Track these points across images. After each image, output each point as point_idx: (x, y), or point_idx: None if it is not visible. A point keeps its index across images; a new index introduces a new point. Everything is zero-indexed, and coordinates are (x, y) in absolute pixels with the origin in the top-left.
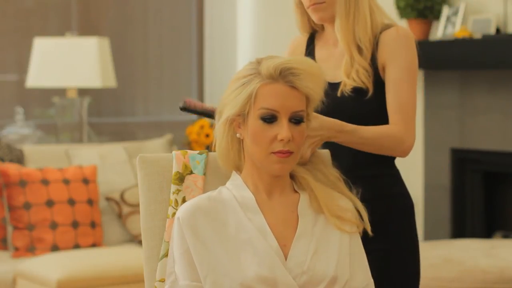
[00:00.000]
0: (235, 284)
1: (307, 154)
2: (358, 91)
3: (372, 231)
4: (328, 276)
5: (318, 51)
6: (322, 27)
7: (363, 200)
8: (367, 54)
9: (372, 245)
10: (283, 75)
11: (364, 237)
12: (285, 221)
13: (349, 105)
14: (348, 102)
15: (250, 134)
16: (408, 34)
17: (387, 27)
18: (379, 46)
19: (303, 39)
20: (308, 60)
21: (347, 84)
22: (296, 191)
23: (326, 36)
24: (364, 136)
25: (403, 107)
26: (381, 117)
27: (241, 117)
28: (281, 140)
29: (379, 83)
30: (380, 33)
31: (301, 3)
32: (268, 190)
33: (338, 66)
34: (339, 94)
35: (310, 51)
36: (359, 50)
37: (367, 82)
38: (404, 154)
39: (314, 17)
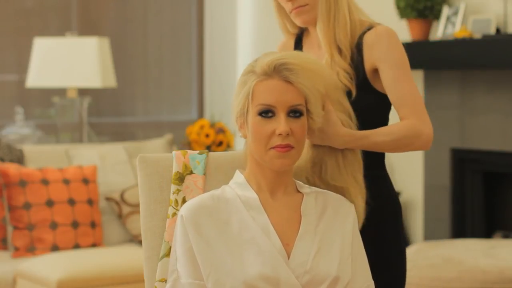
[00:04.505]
0: (238, 283)
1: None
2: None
3: (363, 233)
4: (331, 276)
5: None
6: (307, 29)
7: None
8: (347, 55)
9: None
10: (278, 70)
11: None
12: (288, 220)
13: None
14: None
15: (250, 131)
16: (387, 30)
17: (367, 28)
18: (364, 49)
19: (290, 42)
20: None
21: None
22: (299, 191)
23: (311, 39)
24: (378, 141)
25: (409, 101)
26: (366, 119)
27: (242, 116)
28: (279, 134)
29: (364, 85)
30: (362, 34)
31: (281, 7)
32: (271, 189)
33: None
34: None
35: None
36: (339, 51)
37: (349, 84)
38: (426, 146)
39: (298, 21)
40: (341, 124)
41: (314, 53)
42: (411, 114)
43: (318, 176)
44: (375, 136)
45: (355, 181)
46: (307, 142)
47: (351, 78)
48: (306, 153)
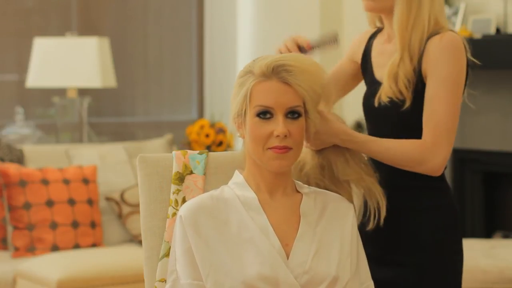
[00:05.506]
0: (237, 283)
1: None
2: (394, 103)
3: (407, 243)
4: (330, 276)
5: (375, 46)
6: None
7: (398, 211)
8: (414, 62)
9: (407, 258)
10: (276, 72)
11: (398, 249)
12: (287, 221)
13: (385, 114)
14: (384, 111)
15: (248, 132)
16: (452, 42)
17: (434, 33)
18: (424, 54)
19: (366, 35)
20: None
21: (383, 92)
22: (298, 191)
23: (383, 31)
24: (373, 150)
25: (435, 122)
26: (419, 129)
27: (240, 117)
28: (277, 136)
29: (421, 94)
30: (428, 39)
31: None
32: (270, 189)
33: (387, 64)
34: (376, 102)
35: (368, 46)
36: (410, 55)
37: (405, 93)
38: (429, 173)
39: (364, 4)
40: (336, 121)
41: (382, 46)
42: (428, 137)
43: (329, 178)
44: (373, 145)
45: (366, 168)
46: (311, 150)
47: (409, 86)
48: (312, 160)
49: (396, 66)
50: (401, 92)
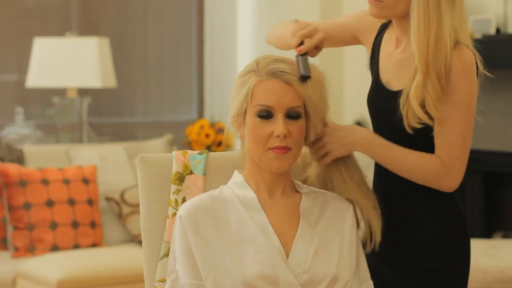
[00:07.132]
0: (237, 283)
1: (326, 161)
2: (425, 126)
3: (413, 249)
4: (329, 275)
5: (384, 45)
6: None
7: (404, 218)
8: (443, 82)
9: (413, 263)
10: (278, 74)
11: (406, 254)
12: (286, 220)
13: (408, 138)
14: (409, 134)
15: (248, 131)
16: (471, 63)
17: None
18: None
19: (378, 22)
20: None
21: (411, 116)
22: (297, 191)
23: (391, 33)
24: (386, 156)
25: (451, 143)
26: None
27: (240, 117)
28: (277, 136)
29: None
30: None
31: None
32: (270, 189)
33: (397, 72)
34: (408, 128)
35: (378, 40)
36: (437, 76)
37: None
38: (443, 190)
39: (369, 10)
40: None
41: (390, 49)
42: (444, 157)
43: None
44: (386, 151)
45: (360, 191)
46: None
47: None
48: (314, 171)
49: (420, 89)
50: (430, 116)
